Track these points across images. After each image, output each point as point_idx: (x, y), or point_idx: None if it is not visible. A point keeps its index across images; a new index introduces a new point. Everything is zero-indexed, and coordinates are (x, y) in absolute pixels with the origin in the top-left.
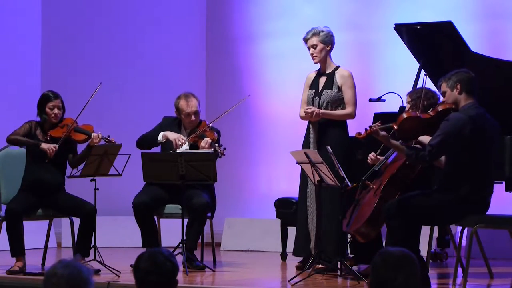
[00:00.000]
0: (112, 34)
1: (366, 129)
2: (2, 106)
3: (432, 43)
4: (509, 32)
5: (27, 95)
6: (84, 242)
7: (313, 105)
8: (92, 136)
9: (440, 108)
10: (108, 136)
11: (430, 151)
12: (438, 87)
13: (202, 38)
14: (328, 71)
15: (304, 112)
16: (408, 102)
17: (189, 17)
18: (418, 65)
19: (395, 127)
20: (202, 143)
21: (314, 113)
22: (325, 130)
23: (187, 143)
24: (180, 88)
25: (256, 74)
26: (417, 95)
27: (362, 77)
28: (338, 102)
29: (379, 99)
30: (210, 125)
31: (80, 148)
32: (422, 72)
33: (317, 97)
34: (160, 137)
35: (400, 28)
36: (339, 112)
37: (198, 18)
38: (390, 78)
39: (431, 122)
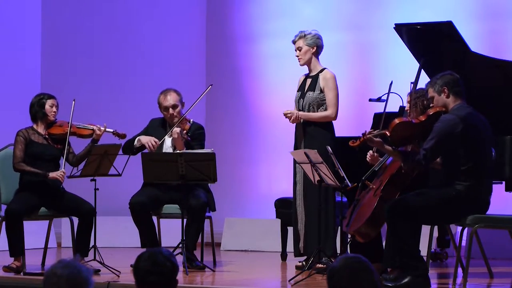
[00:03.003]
0: (112, 34)
1: (359, 137)
2: (2, 107)
3: (432, 43)
4: (509, 32)
5: (27, 96)
6: (83, 242)
7: (297, 107)
8: (94, 129)
9: (431, 112)
10: (116, 130)
11: (425, 155)
12: (425, 92)
13: (202, 38)
14: (313, 73)
15: (283, 114)
16: (408, 102)
17: (189, 17)
18: (418, 65)
19: (388, 133)
20: (173, 135)
21: (293, 117)
22: (309, 132)
23: (170, 139)
24: (180, 87)
25: (256, 74)
26: (417, 95)
27: (362, 77)
28: (320, 103)
29: (379, 99)
30: (191, 120)
31: (79, 145)
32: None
33: (301, 99)
34: (136, 142)
35: (400, 28)
36: (318, 114)
37: (198, 18)
38: (390, 78)
39: (424, 127)
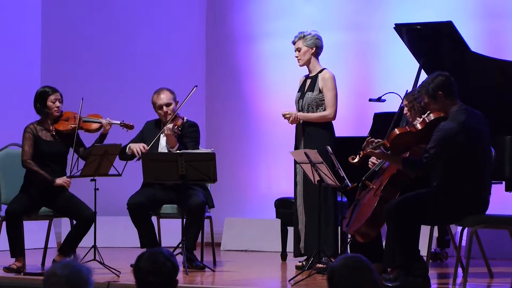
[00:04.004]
0: (112, 33)
1: (359, 154)
2: (2, 107)
3: (432, 43)
4: (509, 32)
5: (27, 96)
6: (72, 243)
7: (297, 107)
8: (103, 123)
9: (429, 119)
10: (123, 121)
11: (426, 163)
12: (418, 97)
13: (202, 38)
14: (312, 74)
15: (282, 115)
16: (405, 106)
17: (189, 17)
18: (418, 65)
19: (388, 144)
20: (165, 131)
21: (291, 118)
22: (309, 132)
23: (165, 138)
24: (180, 87)
25: (256, 74)
26: (414, 96)
27: (362, 77)
28: (319, 104)
29: (379, 99)
30: (185, 118)
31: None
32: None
33: (301, 99)
34: (127, 150)
35: (400, 28)
36: (317, 114)
37: (198, 18)
38: (390, 78)
39: (423, 134)
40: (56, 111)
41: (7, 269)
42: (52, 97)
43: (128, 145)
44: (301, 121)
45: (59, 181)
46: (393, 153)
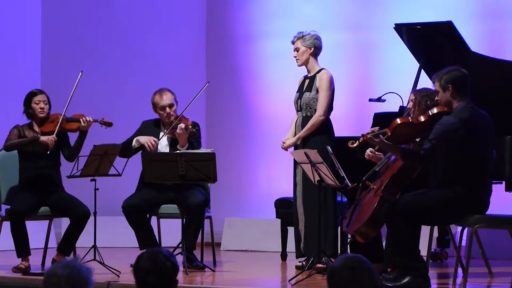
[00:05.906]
0: (112, 34)
1: (359, 138)
2: (2, 107)
3: (432, 43)
4: (509, 32)
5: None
6: (69, 242)
7: (296, 107)
8: (81, 121)
9: (432, 113)
10: (102, 119)
11: (424, 155)
12: (432, 83)
13: (202, 38)
14: (311, 74)
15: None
16: (411, 100)
17: (189, 17)
18: (418, 65)
19: (389, 133)
20: (178, 130)
21: (284, 145)
22: (309, 136)
23: (166, 137)
24: (180, 87)
25: (256, 74)
26: (422, 94)
27: (362, 77)
28: (317, 104)
29: (379, 99)
30: (189, 120)
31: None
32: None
33: (299, 100)
34: (134, 142)
35: (400, 28)
36: (309, 126)
37: (198, 18)
38: (390, 78)
39: (425, 126)
40: (40, 112)
41: (16, 268)
42: (36, 99)
43: (135, 138)
44: (299, 142)
45: (44, 138)
46: (393, 143)
